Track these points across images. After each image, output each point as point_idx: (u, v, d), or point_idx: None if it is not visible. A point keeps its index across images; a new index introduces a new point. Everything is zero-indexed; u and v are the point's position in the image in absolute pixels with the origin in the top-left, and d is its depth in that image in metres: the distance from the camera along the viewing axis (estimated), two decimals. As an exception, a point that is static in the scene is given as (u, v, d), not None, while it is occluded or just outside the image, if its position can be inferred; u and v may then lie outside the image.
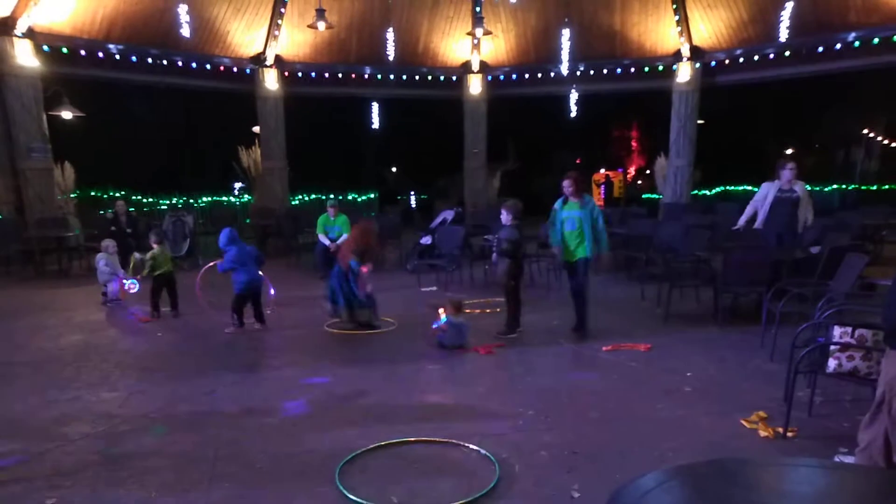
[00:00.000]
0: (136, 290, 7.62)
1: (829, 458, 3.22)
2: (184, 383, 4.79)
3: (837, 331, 3.67)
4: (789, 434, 3.62)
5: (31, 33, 10.56)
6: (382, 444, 3.58)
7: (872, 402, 2.89)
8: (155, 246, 7.05)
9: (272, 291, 7.05)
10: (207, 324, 6.64)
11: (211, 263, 6.48)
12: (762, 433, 3.67)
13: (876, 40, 11.38)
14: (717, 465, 1.84)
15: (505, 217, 5.99)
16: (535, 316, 6.62)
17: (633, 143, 31.10)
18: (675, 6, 13.13)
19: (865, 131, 24.98)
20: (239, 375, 4.97)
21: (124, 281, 7.56)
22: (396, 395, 4.50)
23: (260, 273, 6.46)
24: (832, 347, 3.64)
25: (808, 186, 7.35)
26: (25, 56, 10.55)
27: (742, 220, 7.44)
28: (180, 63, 12.75)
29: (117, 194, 13.29)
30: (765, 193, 7.09)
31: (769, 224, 7.06)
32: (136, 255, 7.30)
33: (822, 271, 5.69)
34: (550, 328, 6.33)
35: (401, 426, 3.86)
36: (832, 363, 3.62)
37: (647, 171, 25.43)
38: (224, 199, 17.03)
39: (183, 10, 11.63)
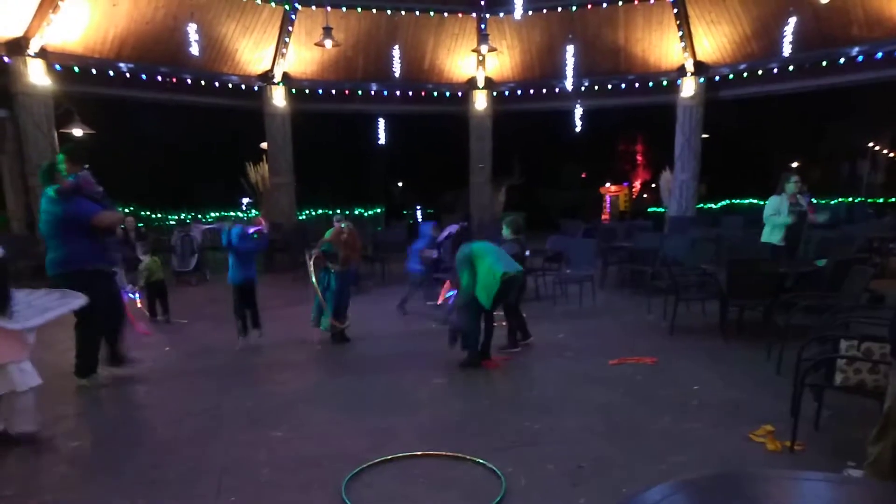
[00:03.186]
0: (139, 301, 7.81)
1: (837, 472, 3.20)
2: (190, 397, 4.81)
3: (844, 344, 3.66)
4: (797, 448, 3.59)
5: (43, 53, 10.76)
6: (388, 458, 3.58)
7: (880, 415, 2.89)
8: (143, 257, 7.55)
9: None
10: (214, 338, 6.68)
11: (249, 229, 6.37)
12: (769, 447, 3.65)
13: (879, 55, 11.43)
14: (723, 479, 1.84)
15: (505, 232, 6.09)
16: (540, 329, 6.61)
17: (638, 157, 31.16)
18: (678, 22, 13.24)
19: (871, 144, 24.93)
20: (245, 389, 4.99)
21: (129, 295, 7.68)
22: (402, 408, 4.50)
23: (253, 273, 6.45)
24: (839, 361, 3.63)
25: (813, 200, 7.38)
26: (38, 75, 10.74)
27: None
28: (189, 81, 12.93)
29: (126, 210, 13.41)
30: (776, 207, 7.11)
31: (783, 237, 7.08)
32: (140, 266, 7.58)
33: (828, 284, 5.67)
34: (556, 341, 6.32)
35: (406, 440, 3.86)
36: (839, 376, 3.61)
37: (653, 185, 25.44)
38: (232, 214, 17.14)
39: (192, 29, 11.82)
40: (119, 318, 5.34)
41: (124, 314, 5.45)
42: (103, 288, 4.85)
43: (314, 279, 6.17)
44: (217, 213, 16.52)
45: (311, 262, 6.22)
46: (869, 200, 17.57)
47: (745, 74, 13.28)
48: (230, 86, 13.64)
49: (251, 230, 6.43)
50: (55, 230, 4.81)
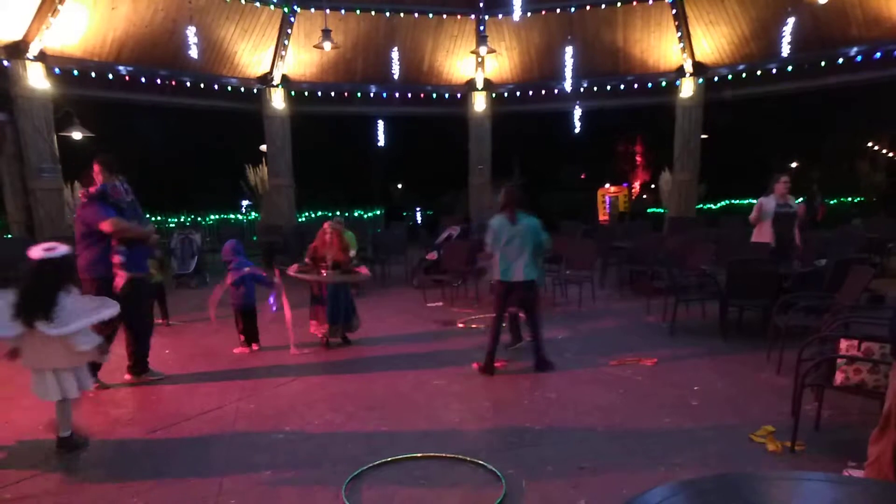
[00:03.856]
0: None
1: (838, 472, 3.20)
2: (190, 399, 4.81)
3: (844, 344, 3.67)
4: (797, 448, 3.59)
5: (42, 56, 10.74)
6: (389, 459, 3.59)
7: (880, 415, 2.89)
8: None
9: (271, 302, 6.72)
10: (213, 341, 6.67)
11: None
12: (770, 447, 3.65)
13: (878, 54, 11.44)
14: (724, 480, 1.85)
15: None
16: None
17: (638, 158, 31.18)
18: (677, 23, 13.24)
19: (870, 144, 24.95)
20: (245, 391, 4.99)
21: None
22: (402, 410, 4.51)
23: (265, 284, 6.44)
24: (839, 361, 3.63)
25: (825, 201, 7.40)
26: (37, 78, 10.74)
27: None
28: (189, 83, 12.93)
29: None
30: (763, 208, 7.11)
31: (775, 238, 7.08)
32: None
33: (828, 284, 5.68)
34: (556, 342, 6.32)
35: (407, 442, 3.86)
36: (839, 376, 3.62)
37: (652, 186, 25.46)
38: (231, 216, 17.16)
39: (191, 31, 11.81)
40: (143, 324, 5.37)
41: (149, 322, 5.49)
42: (120, 297, 4.83)
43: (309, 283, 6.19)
44: (217, 216, 16.55)
45: (298, 273, 6.24)
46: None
47: (743, 75, 13.27)
48: (229, 88, 13.63)
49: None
50: (77, 235, 4.98)
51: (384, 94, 14.75)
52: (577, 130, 14.95)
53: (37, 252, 3.78)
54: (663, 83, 14.02)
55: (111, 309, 3.98)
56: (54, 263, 3.77)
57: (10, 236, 11.55)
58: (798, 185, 7.20)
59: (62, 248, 3.87)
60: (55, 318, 3.61)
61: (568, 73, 13.84)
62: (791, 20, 11.85)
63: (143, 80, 12.30)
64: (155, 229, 5.33)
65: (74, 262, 4.01)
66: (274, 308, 6.56)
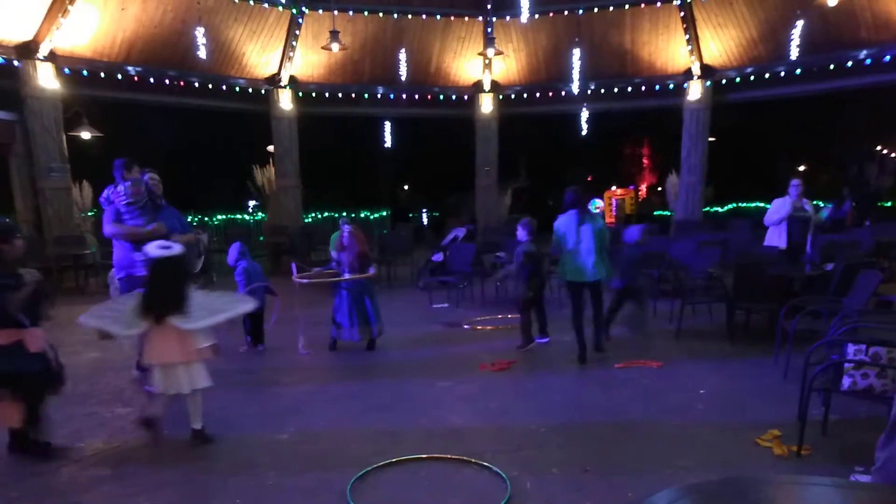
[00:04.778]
0: None
1: (845, 477, 3.18)
2: (197, 399, 4.82)
3: (852, 348, 3.65)
4: (804, 452, 3.57)
5: (52, 56, 10.83)
6: (394, 460, 3.59)
7: (888, 420, 2.87)
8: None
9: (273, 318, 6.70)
10: (218, 341, 6.67)
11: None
12: (776, 451, 3.63)
13: (887, 58, 11.37)
14: (730, 484, 1.84)
15: (521, 233, 6.10)
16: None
17: (645, 161, 31.11)
18: (685, 25, 13.21)
19: (879, 147, 24.80)
20: (250, 393, 5.00)
21: None
22: (407, 412, 4.51)
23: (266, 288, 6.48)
24: (846, 365, 3.61)
25: (821, 203, 7.38)
26: (47, 79, 10.82)
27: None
28: (197, 84, 12.99)
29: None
30: (778, 209, 7.08)
31: (787, 241, 7.05)
32: None
33: (836, 288, 5.65)
34: (561, 345, 6.30)
35: (412, 443, 3.87)
36: (846, 381, 3.60)
37: (659, 189, 25.40)
38: (238, 216, 17.24)
39: (200, 32, 11.87)
40: None
41: None
42: None
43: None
44: (224, 216, 16.62)
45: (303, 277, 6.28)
46: (877, 204, 17.47)
47: (752, 78, 13.22)
48: (237, 89, 13.69)
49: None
50: None
51: (391, 96, 14.77)
52: (584, 132, 14.94)
53: (155, 250, 3.85)
54: (671, 85, 13.98)
55: (248, 304, 4.05)
56: (175, 261, 3.86)
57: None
58: (807, 187, 7.18)
59: (177, 247, 3.95)
60: (188, 312, 3.69)
61: (575, 75, 13.82)
62: (800, 23, 11.79)
63: (151, 80, 12.37)
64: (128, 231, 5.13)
65: (188, 261, 4.13)
66: (273, 320, 6.53)
